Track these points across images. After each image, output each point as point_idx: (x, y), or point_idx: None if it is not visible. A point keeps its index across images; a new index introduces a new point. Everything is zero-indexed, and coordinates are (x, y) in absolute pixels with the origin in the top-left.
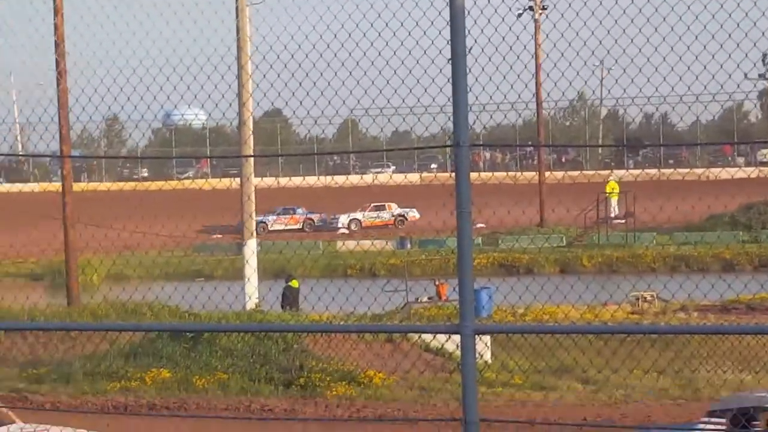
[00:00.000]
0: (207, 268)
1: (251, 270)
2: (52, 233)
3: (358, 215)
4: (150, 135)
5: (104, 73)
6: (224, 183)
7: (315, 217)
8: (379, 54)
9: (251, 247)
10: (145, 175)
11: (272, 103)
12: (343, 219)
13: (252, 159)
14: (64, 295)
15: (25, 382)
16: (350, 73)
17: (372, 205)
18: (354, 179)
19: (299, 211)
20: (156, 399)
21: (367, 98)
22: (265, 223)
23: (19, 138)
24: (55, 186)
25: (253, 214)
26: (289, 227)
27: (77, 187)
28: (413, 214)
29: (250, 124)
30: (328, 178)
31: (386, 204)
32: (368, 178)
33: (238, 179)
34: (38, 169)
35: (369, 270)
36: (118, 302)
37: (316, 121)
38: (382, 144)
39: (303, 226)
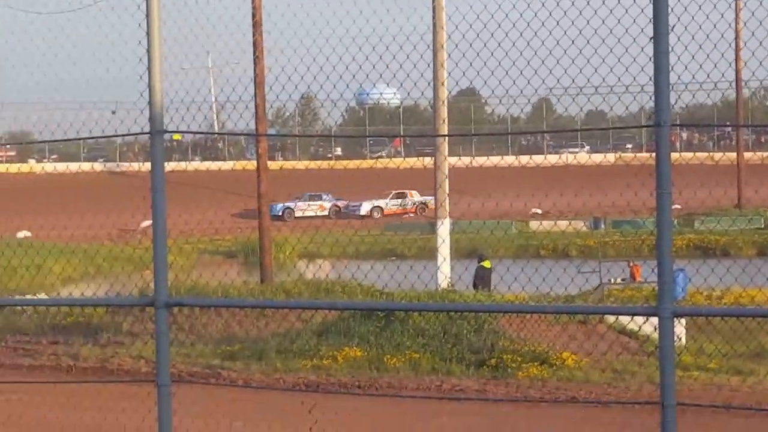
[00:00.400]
0: (400, 247)
1: (445, 249)
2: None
3: (381, 202)
4: (344, 114)
5: (304, 52)
6: (420, 162)
7: (341, 203)
8: (580, 32)
9: (445, 226)
10: (339, 153)
11: (471, 82)
12: (366, 206)
13: (447, 138)
14: (258, 273)
15: (219, 358)
16: (550, 52)
17: (393, 192)
18: (552, 159)
19: (325, 197)
20: (348, 378)
21: (567, 77)
22: (291, 209)
23: (215, 117)
24: (251, 164)
25: (446, 193)
26: (316, 214)
27: (272, 165)
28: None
29: (446, 103)
30: (523, 158)
31: (407, 191)
32: (558, 159)
33: (428, 158)
34: (233, 148)
35: (561, 251)
36: (312, 280)
37: (515, 100)
38: (577, 123)
39: (329, 212)
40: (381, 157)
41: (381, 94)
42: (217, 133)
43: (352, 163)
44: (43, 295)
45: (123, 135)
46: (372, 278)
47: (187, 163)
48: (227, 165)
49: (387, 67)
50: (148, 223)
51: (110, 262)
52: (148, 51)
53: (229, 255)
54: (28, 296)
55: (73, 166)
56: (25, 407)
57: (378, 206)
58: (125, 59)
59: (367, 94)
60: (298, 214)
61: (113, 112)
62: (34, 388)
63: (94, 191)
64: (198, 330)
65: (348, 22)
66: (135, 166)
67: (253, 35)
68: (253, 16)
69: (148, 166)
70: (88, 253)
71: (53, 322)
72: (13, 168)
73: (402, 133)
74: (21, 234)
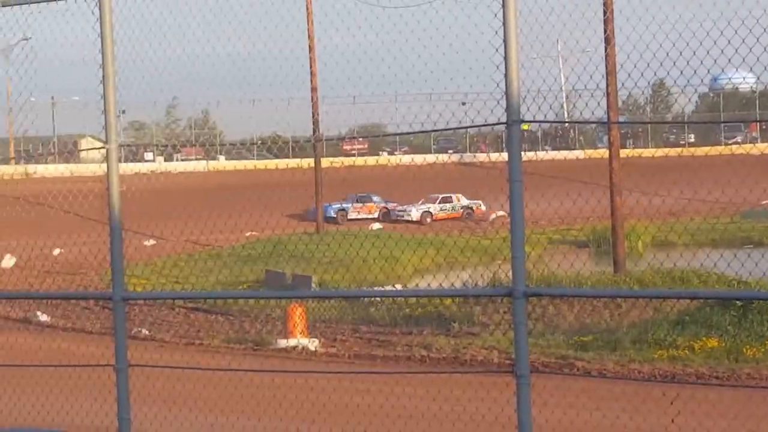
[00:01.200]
0: (756, 234)
1: None
2: (596, 199)
3: (430, 207)
4: (696, 100)
5: (663, 37)
6: None
7: (391, 206)
8: None
9: None
10: (692, 140)
11: None
12: (415, 212)
13: None
14: (609, 262)
15: (572, 349)
16: None
17: (440, 196)
18: None
19: (375, 199)
20: (705, 368)
21: None
22: (345, 210)
23: (565, 106)
24: (601, 153)
25: None
26: (366, 215)
27: (623, 153)
28: (480, 206)
29: None
30: None
31: (454, 195)
32: None
33: None
34: (584, 136)
35: None
36: (664, 269)
37: None
38: None
39: (379, 215)
40: (736, 143)
41: (743, 78)
42: (569, 122)
43: (700, 150)
44: (398, 287)
45: (479, 126)
46: (733, 267)
47: (543, 152)
48: (578, 154)
49: (750, 50)
50: (500, 213)
51: (465, 254)
52: (505, 42)
53: (579, 245)
54: (386, 287)
55: (429, 158)
56: (386, 397)
57: (428, 211)
58: (481, 50)
59: (729, 79)
60: (351, 215)
61: (463, 104)
62: (391, 378)
63: (451, 183)
64: (550, 320)
65: (708, 5)
66: (489, 156)
67: (605, 24)
68: (605, 4)
69: (500, 156)
70: (446, 244)
71: (406, 313)
72: (371, 161)
73: (758, 118)
74: (375, 226)
